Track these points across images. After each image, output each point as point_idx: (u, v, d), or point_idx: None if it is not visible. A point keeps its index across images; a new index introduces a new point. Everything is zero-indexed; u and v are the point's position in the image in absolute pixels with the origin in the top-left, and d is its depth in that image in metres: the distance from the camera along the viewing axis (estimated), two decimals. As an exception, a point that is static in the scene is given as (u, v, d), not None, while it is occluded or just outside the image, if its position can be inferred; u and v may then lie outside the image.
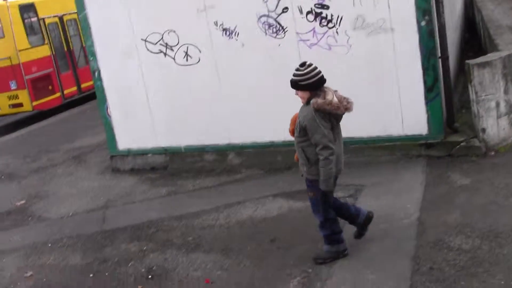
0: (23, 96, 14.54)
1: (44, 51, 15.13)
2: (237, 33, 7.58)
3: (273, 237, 5.65)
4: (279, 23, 7.36)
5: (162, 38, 7.97)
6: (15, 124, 16.26)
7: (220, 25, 7.62)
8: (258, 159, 7.90)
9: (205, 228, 6.19)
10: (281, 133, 7.57)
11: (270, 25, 7.41)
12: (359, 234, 5.13)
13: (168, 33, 7.92)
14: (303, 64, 4.60)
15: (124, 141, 8.71)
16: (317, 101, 4.44)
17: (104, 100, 8.58)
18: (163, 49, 8.02)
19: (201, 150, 8.21)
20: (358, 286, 4.59)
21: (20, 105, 14.67)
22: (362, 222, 5.06)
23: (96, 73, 8.51)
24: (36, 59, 14.78)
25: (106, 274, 5.55)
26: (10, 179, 9.72)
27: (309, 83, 4.56)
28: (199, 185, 7.56)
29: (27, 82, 14.46)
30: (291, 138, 7.65)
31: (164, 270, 5.39)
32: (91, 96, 16.05)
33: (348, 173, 6.87)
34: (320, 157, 4.53)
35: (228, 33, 7.62)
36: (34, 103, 14.67)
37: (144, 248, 5.95)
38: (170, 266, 5.45)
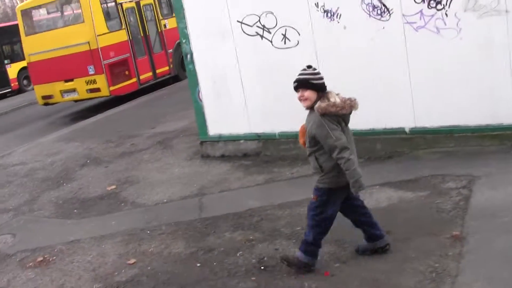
0: (101, 81, 14.60)
1: (121, 36, 15.17)
2: (339, 15, 7.22)
3: (387, 229, 5.28)
4: (384, 5, 6.96)
5: (259, 20, 7.69)
6: (92, 109, 16.43)
7: (321, 6, 7.27)
8: (357, 146, 7.49)
9: (312, 218, 5.87)
10: (382, 120, 7.26)
11: (374, 7, 7.01)
12: (365, 250, 4.93)
13: (266, 15, 7.63)
14: (310, 66, 4.48)
15: (215, 126, 8.51)
16: (321, 105, 4.28)
17: (196, 84, 8.39)
18: (260, 31, 7.74)
19: (296, 137, 7.84)
20: (494, 285, 4.19)
21: (98, 90, 14.75)
22: (379, 246, 4.89)
23: (189, 56, 8.30)
24: (114, 44, 14.84)
25: (214, 263, 5.31)
26: (96, 163, 9.70)
27: (319, 83, 4.41)
28: (297, 173, 7.26)
29: (105, 67, 14.53)
30: (393, 125, 7.38)
31: (276, 261, 5.11)
32: (166, 82, 16.16)
33: (455, 163, 6.53)
34: (340, 162, 4.30)
35: (329, 15, 7.26)
36: (111, 88, 14.73)
37: (251, 237, 5.69)
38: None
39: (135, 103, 15.10)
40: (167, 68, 16.60)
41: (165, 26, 16.62)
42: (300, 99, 4.47)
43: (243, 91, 8.08)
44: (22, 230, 7.22)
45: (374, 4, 6.99)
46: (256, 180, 7.30)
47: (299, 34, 7.48)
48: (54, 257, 6.15)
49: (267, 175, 7.40)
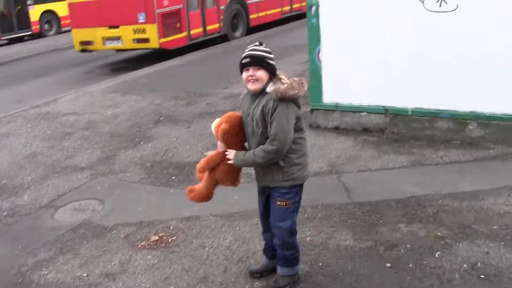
0: (151, 31, 13.26)
1: (176, -16, 13.77)
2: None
3: None
4: None
5: (412, -27, 6.45)
6: (133, 62, 15.11)
7: (498, -36, 6.05)
8: (507, 134, 6.42)
9: (504, 215, 4.81)
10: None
11: None
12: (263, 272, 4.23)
13: (422, -33, 6.39)
14: (261, 44, 3.67)
15: (333, 93, 7.33)
16: (280, 87, 3.48)
17: (317, 42, 7.16)
18: (412, -13, 6.50)
19: (434, 115, 6.76)
20: None
21: (146, 40, 13.41)
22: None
23: (313, 9, 7.06)
24: (168, -9, 13.45)
25: (410, 265, 4.19)
26: (172, 122, 8.49)
27: (273, 64, 3.63)
28: (446, 157, 6.15)
29: (157, 16, 13.15)
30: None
31: (496, 270, 4.02)
32: (213, 41, 14.83)
33: None
34: (265, 147, 3.57)
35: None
36: (161, 40, 13.42)
37: (439, 233, 4.58)
38: (502, 265, 4.08)
39: (187, 60, 13.80)
40: (217, 25, 15.26)
41: (221, -19, 15.24)
42: (248, 80, 3.59)
43: (377, 55, 6.88)
44: (111, 196, 6.03)
45: None
46: (398, 161, 6.16)
47: (461, -4, 6.27)
48: (174, 237, 4.99)
49: (408, 156, 6.27)
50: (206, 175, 3.81)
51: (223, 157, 3.73)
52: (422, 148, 6.48)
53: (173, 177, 6.36)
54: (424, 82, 6.67)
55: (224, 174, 3.78)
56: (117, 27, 13.51)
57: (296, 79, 3.63)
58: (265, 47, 3.65)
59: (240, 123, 3.73)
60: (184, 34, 14.09)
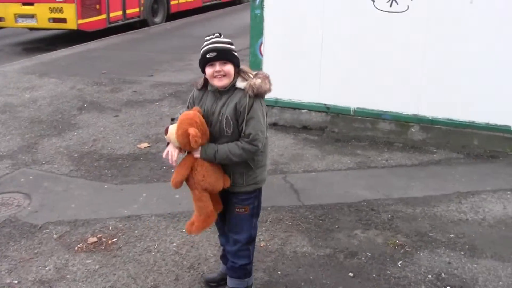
0: (69, 11, 12.45)
1: (97, -37, 12.99)
2: (469, -18, 6.02)
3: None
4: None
5: (365, -30, 6.31)
6: (46, 42, 14.14)
7: (450, -33, 6.03)
8: (448, 139, 6.47)
9: (458, 223, 4.77)
10: (486, 113, 6.21)
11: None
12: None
13: (376, -35, 6.27)
14: (221, 34, 3.26)
15: (273, 88, 7.02)
16: (255, 82, 3.14)
17: (260, 34, 6.87)
18: (363, -15, 6.37)
19: (376, 116, 6.69)
20: None
21: (63, 20, 12.56)
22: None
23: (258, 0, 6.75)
24: (89, -30, 12.65)
25: (374, 275, 4.02)
26: (98, 110, 7.92)
27: (237, 56, 3.25)
28: (392, 160, 6.08)
29: (76, -5, 12.33)
30: (497, 121, 6.33)
31: (461, 280, 3.93)
32: (132, 26, 14.17)
33: None
34: (238, 144, 3.19)
35: (456, -20, 6.06)
36: (80, 22, 12.63)
37: (397, 241, 4.46)
38: (466, 276, 4.00)
39: (107, 43, 13.07)
40: (137, 10, 14.58)
41: (142, -39, 14.55)
42: (213, 76, 3.20)
43: (321, 51, 6.70)
44: (38, 190, 5.45)
45: (515, -24, 5.85)
46: (343, 163, 6.01)
47: (412, -1, 6.20)
48: (115, 239, 4.54)
49: (353, 157, 6.14)
50: (193, 196, 3.33)
51: (192, 159, 3.31)
52: (366, 149, 6.37)
53: (106, 171, 5.86)
54: (368, 82, 6.57)
55: (208, 175, 3.28)
56: (31, 4, 12.54)
57: (261, 73, 3.32)
58: (223, 37, 3.25)
59: (203, 121, 3.29)
60: (104, 16, 13.34)
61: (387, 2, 6.29)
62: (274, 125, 7.07)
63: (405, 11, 6.26)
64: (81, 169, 5.91)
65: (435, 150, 6.33)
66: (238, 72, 3.26)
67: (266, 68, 6.94)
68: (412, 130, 6.57)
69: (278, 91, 6.78)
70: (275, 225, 4.70)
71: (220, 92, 3.27)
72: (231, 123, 3.20)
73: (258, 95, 3.18)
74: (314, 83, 6.81)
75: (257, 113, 3.19)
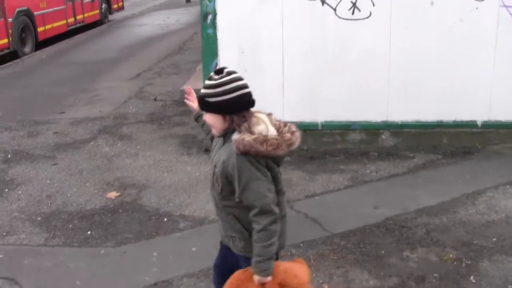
0: None
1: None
2: (427, -13, 6.12)
3: None
4: (483, -19, 6.10)
5: (322, -20, 6.16)
6: None
7: (408, -27, 6.09)
8: (419, 141, 6.57)
9: (488, 225, 4.83)
10: (453, 111, 6.40)
11: (472, -17, 6.11)
12: None
13: (334, -25, 6.15)
14: (219, 71, 2.73)
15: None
16: (244, 139, 2.60)
17: (214, 55, 6.43)
18: (322, -5, 6.21)
19: (345, 128, 6.58)
20: None
21: None
22: None
23: (210, 18, 6.31)
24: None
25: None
26: (28, 159, 6.98)
27: (223, 100, 2.67)
28: (382, 171, 6.00)
29: None
30: (464, 118, 6.51)
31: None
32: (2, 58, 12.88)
33: None
34: (255, 227, 2.71)
35: (415, -15, 6.13)
36: None
37: (451, 256, 4.37)
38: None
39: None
40: (6, 40, 13.15)
41: (4, -13, 13.14)
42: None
43: (282, 67, 6.45)
44: (22, 270, 4.45)
45: (472, -21, 6.06)
46: (336, 181, 5.82)
47: (374, 5, 6.18)
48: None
49: (341, 174, 5.97)
50: None
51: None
52: (347, 163, 6.24)
53: (89, 232, 5.09)
54: (334, 94, 6.44)
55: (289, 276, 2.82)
56: None
57: (281, 124, 2.78)
58: (221, 77, 2.68)
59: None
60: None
61: (349, 10, 6.17)
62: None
63: (367, 17, 6.18)
64: (57, 234, 5.07)
65: (411, 154, 6.36)
66: (232, 120, 2.70)
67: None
68: (383, 137, 6.54)
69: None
70: (322, 263, 4.36)
71: (221, 140, 2.83)
72: (220, 180, 2.75)
73: (247, 153, 2.62)
74: (278, 101, 6.51)
75: (251, 174, 2.65)
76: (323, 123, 6.53)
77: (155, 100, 9.04)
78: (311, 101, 6.48)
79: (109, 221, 5.27)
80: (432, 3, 6.09)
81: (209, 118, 2.74)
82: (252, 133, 2.64)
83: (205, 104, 2.71)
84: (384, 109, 6.43)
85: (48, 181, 6.20)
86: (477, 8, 6.12)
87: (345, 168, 6.09)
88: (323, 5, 6.19)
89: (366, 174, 5.93)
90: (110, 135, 7.58)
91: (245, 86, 2.70)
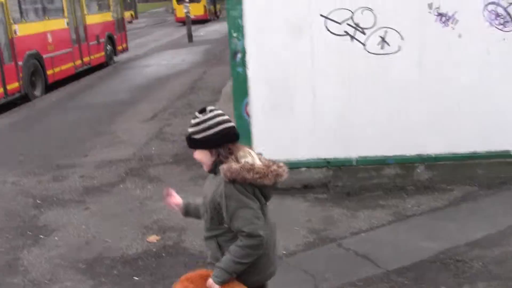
0: None
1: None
2: (455, 21, 6.21)
3: None
4: (509, 14, 6.18)
5: (352, 16, 6.23)
6: None
7: (436, 8, 6.19)
8: (453, 174, 6.53)
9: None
10: (486, 141, 6.40)
11: (498, 15, 6.18)
12: None
13: (362, 11, 6.22)
14: (203, 110, 2.92)
15: (266, 150, 6.55)
16: (231, 166, 2.76)
17: (244, 94, 6.43)
18: (351, 31, 6.27)
19: (380, 163, 6.55)
20: None
21: None
22: None
23: (239, 56, 6.32)
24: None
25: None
26: (59, 205, 6.92)
27: (208, 135, 2.84)
28: (423, 205, 5.97)
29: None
30: (497, 148, 6.50)
31: None
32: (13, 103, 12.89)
33: None
34: (237, 242, 2.83)
35: (444, 19, 6.22)
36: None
37: (515, 291, 4.27)
38: None
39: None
40: (17, 84, 13.18)
41: (15, 32, 13.23)
42: None
43: (313, 103, 6.45)
44: None
45: (498, 12, 6.14)
46: (379, 217, 5.77)
47: (402, 38, 6.23)
48: None
49: (383, 209, 5.93)
50: None
51: None
52: (385, 198, 6.20)
53: (134, 278, 5.00)
54: (365, 129, 6.42)
55: None
56: None
57: (268, 161, 2.92)
58: (204, 114, 2.88)
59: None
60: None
61: (378, 44, 6.21)
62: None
63: (397, 51, 6.22)
64: (103, 281, 4.97)
65: (449, 187, 6.32)
66: (218, 153, 2.88)
67: (256, 129, 6.54)
68: (418, 170, 6.50)
69: (272, 153, 6.38)
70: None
71: (212, 176, 3.00)
72: (209, 209, 2.92)
73: (234, 180, 2.76)
74: (310, 138, 6.50)
75: (238, 202, 2.79)
76: (358, 159, 6.50)
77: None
78: (344, 136, 6.46)
79: (154, 265, 5.17)
80: (460, 36, 6.13)
81: (198, 155, 2.92)
82: (239, 162, 2.77)
83: (192, 141, 2.88)
84: (417, 142, 6.43)
85: (83, 226, 6.12)
86: (504, 40, 6.16)
87: (384, 203, 6.04)
88: (352, 40, 6.21)
89: (408, 208, 5.88)
90: (138, 177, 7.52)
91: (227, 121, 2.87)
